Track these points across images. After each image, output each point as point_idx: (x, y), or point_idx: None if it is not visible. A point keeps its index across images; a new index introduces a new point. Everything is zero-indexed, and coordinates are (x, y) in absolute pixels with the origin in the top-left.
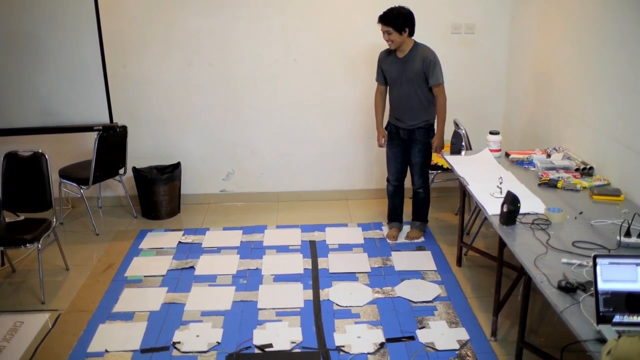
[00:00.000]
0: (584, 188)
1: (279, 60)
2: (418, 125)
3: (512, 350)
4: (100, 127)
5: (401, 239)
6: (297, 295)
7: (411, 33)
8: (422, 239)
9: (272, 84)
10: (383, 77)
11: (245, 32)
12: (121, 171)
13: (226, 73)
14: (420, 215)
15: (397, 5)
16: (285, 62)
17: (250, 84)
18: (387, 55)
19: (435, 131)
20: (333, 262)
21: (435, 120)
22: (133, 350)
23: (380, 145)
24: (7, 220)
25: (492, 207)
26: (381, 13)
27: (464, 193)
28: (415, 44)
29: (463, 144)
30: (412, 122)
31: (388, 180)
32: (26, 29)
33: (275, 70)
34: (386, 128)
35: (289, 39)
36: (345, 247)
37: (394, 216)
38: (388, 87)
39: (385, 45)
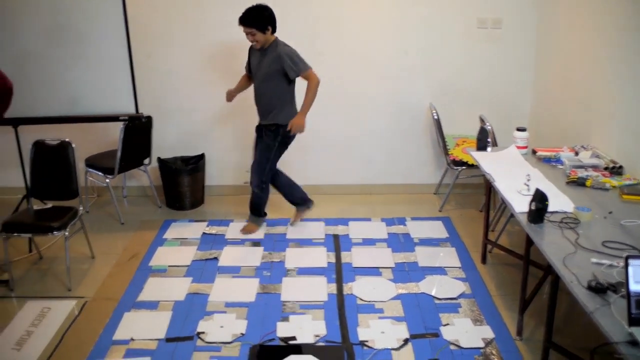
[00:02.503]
0: (614, 187)
1: (304, 53)
2: (266, 124)
3: (538, 350)
4: (126, 117)
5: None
6: (320, 289)
7: (273, 30)
8: (253, 234)
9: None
10: (249, 66)
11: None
12: (146, 161)
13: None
14: (253, 210)
15: (254, 5)
16: (309, 56)
17: None
18: (253, 50)
19: (299, 112)
20: (356, 257)
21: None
22: (158, 339)
23: (227, 99)
24: (35, 207)
25: (520, 204)
26: (241, 15)
27: (490, 190)
28: (275, 41)
29: (489, 140)
30: (262, 120)
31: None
32: (54, 20)
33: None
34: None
35: (314, 32)
36: (368, 242)
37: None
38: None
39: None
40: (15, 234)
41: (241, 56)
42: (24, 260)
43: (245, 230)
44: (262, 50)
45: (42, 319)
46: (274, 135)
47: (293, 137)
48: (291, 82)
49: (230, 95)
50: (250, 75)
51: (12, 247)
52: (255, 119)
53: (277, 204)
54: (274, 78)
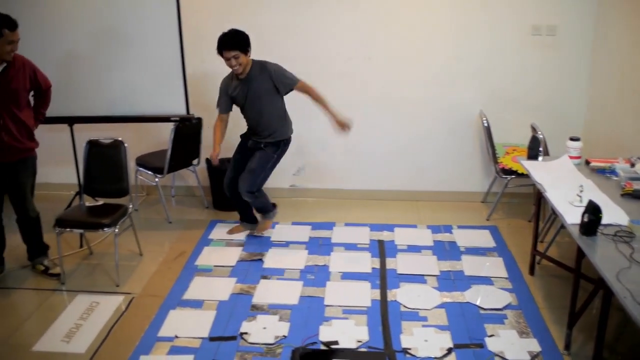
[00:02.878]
0: None
1: (353, 57)
2: (272, 140)
3: None
4: (177, 118)
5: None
6: (364, 294)
7: (250, 51)
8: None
9: (346, 81)
10: (229, 104)
11: (320, 28)
12: (195, 162)
13: (299, 69)
14: (262, 211)
15: (231, 29)
16: (359, 60)
17: (323, 81)
18: (231, 80)
19: (333, 115)
20: (401, 263)
21: (325, 110)
22: (202, 338)
23: (214, 163)
24: (86, 204)
25: (572, 216)
26: (221, 41)
27: (540, 200)
28: (254, 62)
29: (541, 149)
30: (262, 139)
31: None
32: (111, 24)
33: (349, 67)
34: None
35: (364, 36)
36: (414, 249)
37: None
38: (240, 112)
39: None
40: (68, 230)
41: (289, 60)
42: (75, 255)
43: (260, 230)
44: (243, 77)
45: (91, 312)
46: (275, 148)
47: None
48: (283, 97)
49: (216, 158)
50: (227, 113)
51: (64, 242)
52: (302, 124)
53: (322, 206)
54: (272, 98)
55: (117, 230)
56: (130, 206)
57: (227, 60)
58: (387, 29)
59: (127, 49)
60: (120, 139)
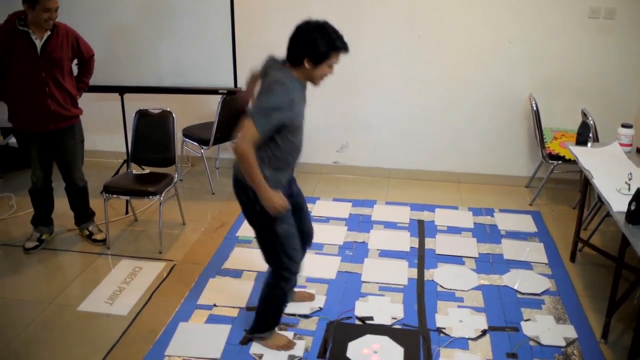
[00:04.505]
0: None
1: (404, 36)
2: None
3: (624, 356)
4: (225, 91)
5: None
6: (401, 273)
7: None
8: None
9: (394, 60)
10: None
11: (370, 5)
12: None
13: (349, 44)
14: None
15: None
16: (409, 39)
17: (372, 58)
18: (301, 91)
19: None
20: (440, 244)
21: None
22: (240, 307)
23: (284, 210)
24: (134, 172)
25: (618, 203)
26: (341, 38)
27: (586, 186)
28: None
29: (590, 135)
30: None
31: (293, 272)
32: None
33: (398, 46)
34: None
35: (414, 14)
36: (453, 230)
37: None
38: (288, 139)
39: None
40: (115, 196)
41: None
42: (120, 221)
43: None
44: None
45: (134, 277)
46: None
47: None
48: None
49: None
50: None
51: (111, 208)
52: (348, 101)
53: (364, 184)
54: None
55: (162, 198)
56: (176, 176)
57: (331, 67)
58: (440, 7)
59: (177, 21)
60: (168, 109)
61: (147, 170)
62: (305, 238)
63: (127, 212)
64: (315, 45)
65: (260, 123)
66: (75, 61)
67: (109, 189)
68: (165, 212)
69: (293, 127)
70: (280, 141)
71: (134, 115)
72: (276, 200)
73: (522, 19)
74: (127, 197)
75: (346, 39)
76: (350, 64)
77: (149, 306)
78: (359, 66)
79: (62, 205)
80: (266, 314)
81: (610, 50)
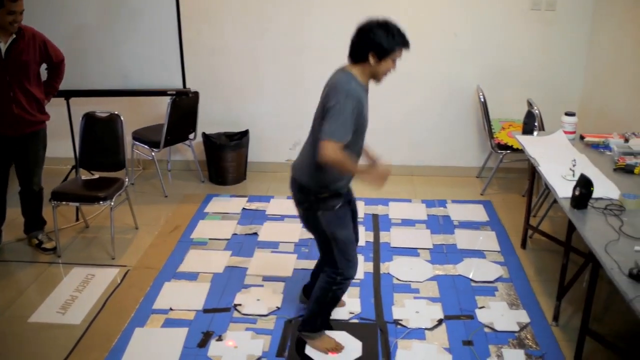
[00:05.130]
0: None
1: (351, 32)
2: None
3: (574, 337)
4: (174, 92)
5: None
6: (358, 267)
7: None
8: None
9: (342, 56)
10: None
11: (319, 2)
12: (191, 136)
13: (299, 42)
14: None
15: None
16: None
17: (322, 55)
18: (363, 91)
19: None
20: (395, 237)
21: None
22: (196, 310)
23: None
24: (83, 178)
25: (564, 189)
26: (403, 35)
27: (534, 174)
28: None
29: (536, 124)
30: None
31: (348, 277)
32: None
33: (345, 42)
34: (332, 204)
35: (362, 10)
36: (408, 223)
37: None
38: (351, 142)
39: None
40: (64, 203)
41: (289, 34)
42: (71, 229)
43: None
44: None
45: (87, 285)
46: None
47: None
48: None
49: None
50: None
51: (60, 216)
52: (299, 99)
53: None
54: None
55: (112, 203)
56: (126, 180)
57: (393, 62)
58: (387, 3)
59: (123, 22)
60: (116, 112)
61: (97, 175)
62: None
63: (77, 219)
64: (380, 39)
65: (340, 135)
66: (45, 66)
67: (58, 196)
68: (117, 217)
69: (357, 131)
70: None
71: (80, 119)
72: (374, 173)
73: (467, 13)
74: (77, 204)
75: (295, 35)
76: (298, 61)
77: (103, 313)
78: (307, 63)
79: (9, 214)
80: (316, 315)
81: (552, 41)
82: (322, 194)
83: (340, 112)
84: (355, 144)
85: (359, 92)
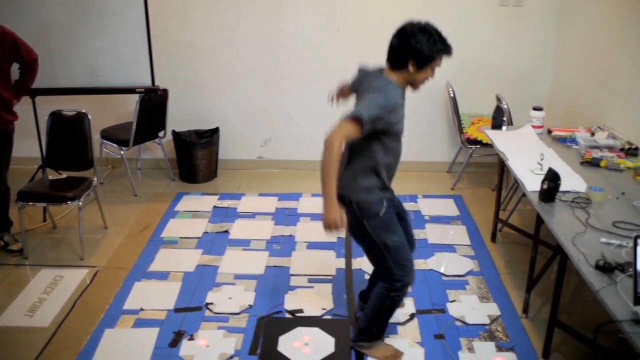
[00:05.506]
0: (628, 168)
1: (323, 28)
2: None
3: (543, 328)
4: (142, 90)
5: None
6: (329, 263)
7: None
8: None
9: (314, 52)
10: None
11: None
12: (161, 134)
13: (268, 39)
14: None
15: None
16: (328, 31)
17: (291, 52)
18: (402, 98)
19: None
20: None
21: None
22: (167, 310)
23: (335, 228)
24: (50, 177)
25: (532, 183)
26: (445, 41)
27: (503, 169)
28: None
29: (505, 119)
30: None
31: (406, 283)
32: None
33: (317, 38)
34: (375, 211)
35: (334, 7)
36: None
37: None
38: (388, 142)
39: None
40: (30, 203)
41: (258, 30)
42: (38, 230)
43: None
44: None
45: (55, 286)
46: None
47: None
48: None
49: None
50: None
51: (27, 217)
52: (269, 96)
53: (289, 177)
54: None
55: (81, 203)
56: (95, 179)
57: (432, 70)
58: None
59: (90, 19)
60: (83, 110)
61: (64, 174)
62: (409, 248)
63: (45, 220)
64: (422, 47)
65: (362, 113)
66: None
67: (24, 196)
68: (85, 217)
69: (394, 132)
70: (381, 149)
71: (46, 118)
72: (335, 214)
73: (437, 8)
74: (44, 204)
75: (265, 31)
76: (269, 58)
77: (72, 315)
78: (278, 60)
79: None
80: (372, 324)
81: (520, 36)
82: (363, 202)
83: (370, 100)
84: (395, 147)
85: (396, 98)
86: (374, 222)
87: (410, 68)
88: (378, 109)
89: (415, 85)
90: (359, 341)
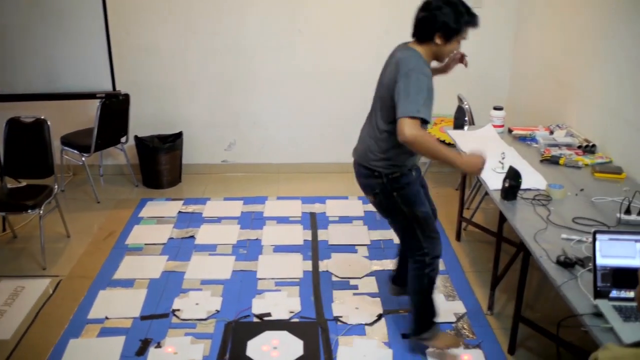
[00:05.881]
0: (586, 165)
1: (284, 30)
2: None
3: (508, 325)
4: (103, 95)
5: None
6: (296, 266)
7: None
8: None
9: (276, 54)
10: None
11: (251, 1)
12: (123, 139)
13: (230, 42)
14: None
15: None
16: (290, 33)
17: (254, 54)
18: (430, 70)
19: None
20: (333, 234)
21: None
22: (133, 317)
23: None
24: (8, 186)
25: (494, 182)
26: (473, 14)
27: None
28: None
29: (466, 119)
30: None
31: (435, 255)
32: None
33: (279, 40)
34: (405, 182)
35: (295, 9)
36: (345, 220)
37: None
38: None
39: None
40: None
41: (220, 33)
42: None
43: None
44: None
45: (16, 297)
46: None
47: None
48: None
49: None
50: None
51: None
52: (233, 98)
53: (254, 181)
54: None
55: (42, 211)
56: (56, 187)
57: (459, 42)
58: (318, 1)
59: (47, 23)
60: (42, 117)
61: (24, 182)
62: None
63: (4, 229)
64: (449, 20)
65: (423, 111)
66: None
67: None
68: (47, 225)
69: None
70: None
71: (4, 125)
72: (474, 160)
73: (396, 10)
74: (3, 213)
75: (227, 34)
76: (232, 61)
77: (35, 326)
78: (241, 62)
79: None
80: (422, 308)
81: (480, 37)
82: (393, 173)
83: (418, 89)
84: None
85: (428, 70)
86: (404, 193)
87: (438, 41)
88: (425, 92)
89: (441, 58)
90: (419, 333)
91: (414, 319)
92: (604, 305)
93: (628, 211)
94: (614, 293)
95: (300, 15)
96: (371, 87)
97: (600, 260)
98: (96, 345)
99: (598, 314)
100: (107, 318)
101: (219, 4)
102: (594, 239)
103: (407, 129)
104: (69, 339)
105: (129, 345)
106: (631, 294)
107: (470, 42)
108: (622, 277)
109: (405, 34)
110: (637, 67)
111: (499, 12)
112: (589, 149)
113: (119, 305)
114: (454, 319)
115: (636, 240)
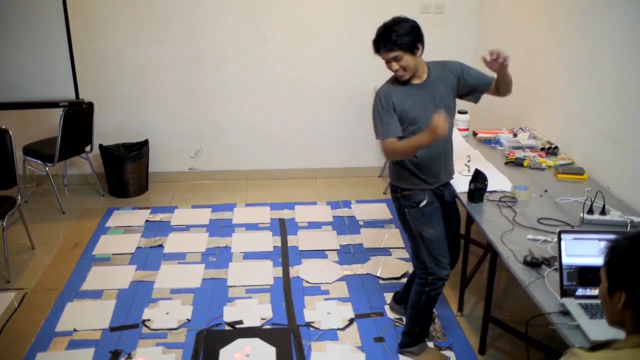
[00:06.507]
0: (549, 167)
1: (250, 38)
2: (453, 173)
3: (478, 325)
4: (66, 103)
5: None
6: (266, 273)
7: (423, 48)
8: None
9: (242, 62)
10: (400, 123)
11: (216, 9)
12: (87, 148)
13: (195, 50)
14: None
15: (395, 17)
16: (255, 40)
17: (220, 62)
18: (399, 87)
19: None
20: (302, 240)
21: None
22: (102, 329)
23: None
24: None
25: (460, 184)
26: (376, 36)
27: None
28: (427, 62)
29: None
30: (451, 171)
31: (439, 278)
32: None
33: (245, 48)
34: (416, 200)
35: (260, 16)
36: (314, 225)
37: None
38: (411, 129)
39: (377, 77)
40: None
41: (185, 41)
42: None
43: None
44: (415, 81)
45: None
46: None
47: None
48: None
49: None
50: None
51: None
52: (199, 106)
53: (222, 188)
54: (454, 98)
55: (4, 223)
56: (19, 198)
57: (387, 63)
58: (284, 8)
59: (7, 31)
60: (4, 127)
61: None
62: (451, 254)
63: None
64: (421, 33)
65: (380, 132)
66: None
67: None
68: (10, 237)
69: (407, 121)
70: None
71: None
72: (434, 123)
73: (361, 16)
74: None
75: (191, 43)
76: (197, 68)
77: (1, 341)
78: (206, 70)
79: None
80: (414, 323)
81: (444, 42)
82: (405, 190)
83: (374, 115)
84: (416, 130)
85: (386, 90)
86: (413, 212)
87: (419, 52)
88: (378, 117)
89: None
90: (406, 345)
91: (404, 331)
92: (570, 303)
93: (590, 211)
94: (580, 291)
95: (266, 23)
96: (336, 92)
97: (566, 260)
98: (65, 358)
99: (565, 312)
100: (75, 330)
101: (184, 13)
102: (559, 239)
103: (381, 149)
104: (36, 352)
105: (99, 358)
106: (596, 292)
107: (434, 48)
108: (587, 275)
109: (369, 40)
110: (596, 72)
111: (461, 17)
112: (551, 150)
113: (88, 317)
114: None
115: (600, 239)
